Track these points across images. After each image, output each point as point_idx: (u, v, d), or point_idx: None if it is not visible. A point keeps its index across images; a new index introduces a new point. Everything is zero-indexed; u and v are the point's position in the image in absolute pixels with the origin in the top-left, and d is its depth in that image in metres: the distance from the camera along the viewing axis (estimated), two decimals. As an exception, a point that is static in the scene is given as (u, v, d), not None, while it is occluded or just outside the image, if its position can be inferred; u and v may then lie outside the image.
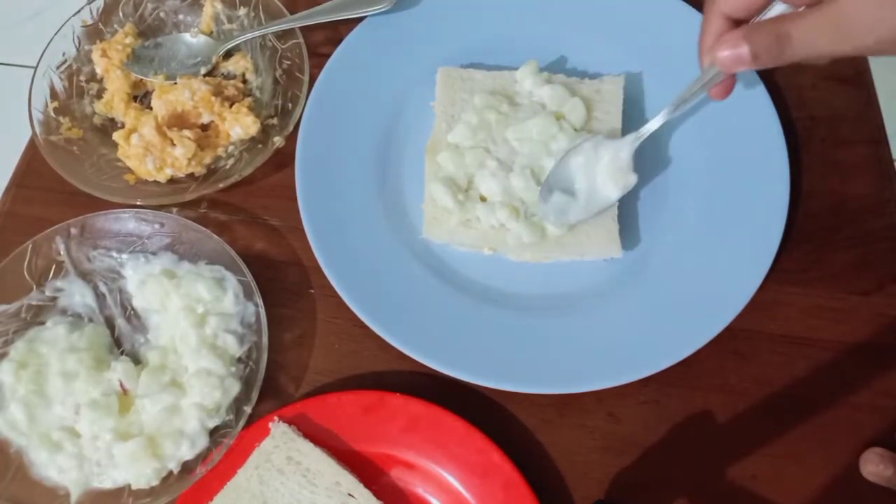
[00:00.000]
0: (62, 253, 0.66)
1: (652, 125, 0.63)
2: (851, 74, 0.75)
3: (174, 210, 0.70)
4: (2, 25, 1.78)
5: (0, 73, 1.72)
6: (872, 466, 0.58)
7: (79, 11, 0.76)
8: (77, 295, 0.66)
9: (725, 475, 0.60)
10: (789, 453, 0.60)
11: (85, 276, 0.66)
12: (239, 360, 0.62)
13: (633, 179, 0.64)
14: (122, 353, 0.64)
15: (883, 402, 0.62)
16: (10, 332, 0.63)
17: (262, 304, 0.63)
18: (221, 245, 0.65)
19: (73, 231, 0.66)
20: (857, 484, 0.59)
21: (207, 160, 0.71)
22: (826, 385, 0.62)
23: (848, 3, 0.44)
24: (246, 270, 0.64)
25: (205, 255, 0.66)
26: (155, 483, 0.58)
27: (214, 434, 0.60)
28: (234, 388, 0.60)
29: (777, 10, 0.51)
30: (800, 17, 0.46)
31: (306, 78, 0.72)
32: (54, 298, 0.65)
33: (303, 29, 0.75)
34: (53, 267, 0.66)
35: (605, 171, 0.64)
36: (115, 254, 0.66)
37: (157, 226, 0.66)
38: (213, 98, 0.72)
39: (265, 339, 0.61)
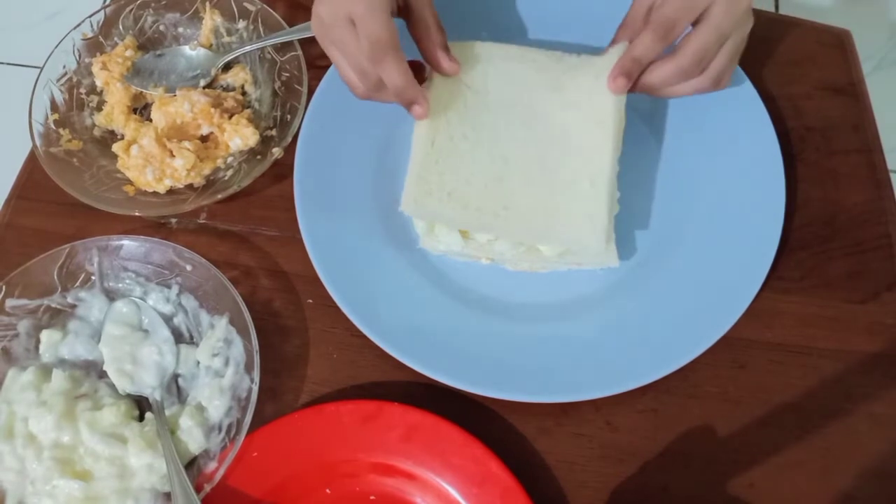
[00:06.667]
0: (94, 265, 0.66)
1: None
2: (846, 84, 0.76)
3: (173, 222, 0.70)
4: (13, 27, 1.77)
5: (2, 73, 1.72)
6: None
7: (79, 25, 0.76)
8: (95, 309, 0.65)
9: (723, 484, 0.60)
10: (787, 462, 0.60)
11: (109, 293, 0.66)
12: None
13: None
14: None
15: (880, 410, 0.62)
16: (16, 326, 0.63)
17: (258, 379, 0.60)
18: (237, 306, 0.62)
19: (112, 245, 0.66)
20: (855, 492, 0.59)
21: (206, 171, 0.72)
22: (823, 394, 0.63)
23: None
24: (254, 338, 0.61)
25: (223, 307, 0.64)
26: None
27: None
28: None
29: None
30: None
31: (305, 90, 0.73)
32: (74, 306, 0.65)
33: (301, 41, 0.75)
34: (82, 276, 0.66)
35: None
36: (143, 280, 0.66)
37: (189, 267, 0.65)
38: (212, 110, 0.72)
39: (249, 418, 0.58)
